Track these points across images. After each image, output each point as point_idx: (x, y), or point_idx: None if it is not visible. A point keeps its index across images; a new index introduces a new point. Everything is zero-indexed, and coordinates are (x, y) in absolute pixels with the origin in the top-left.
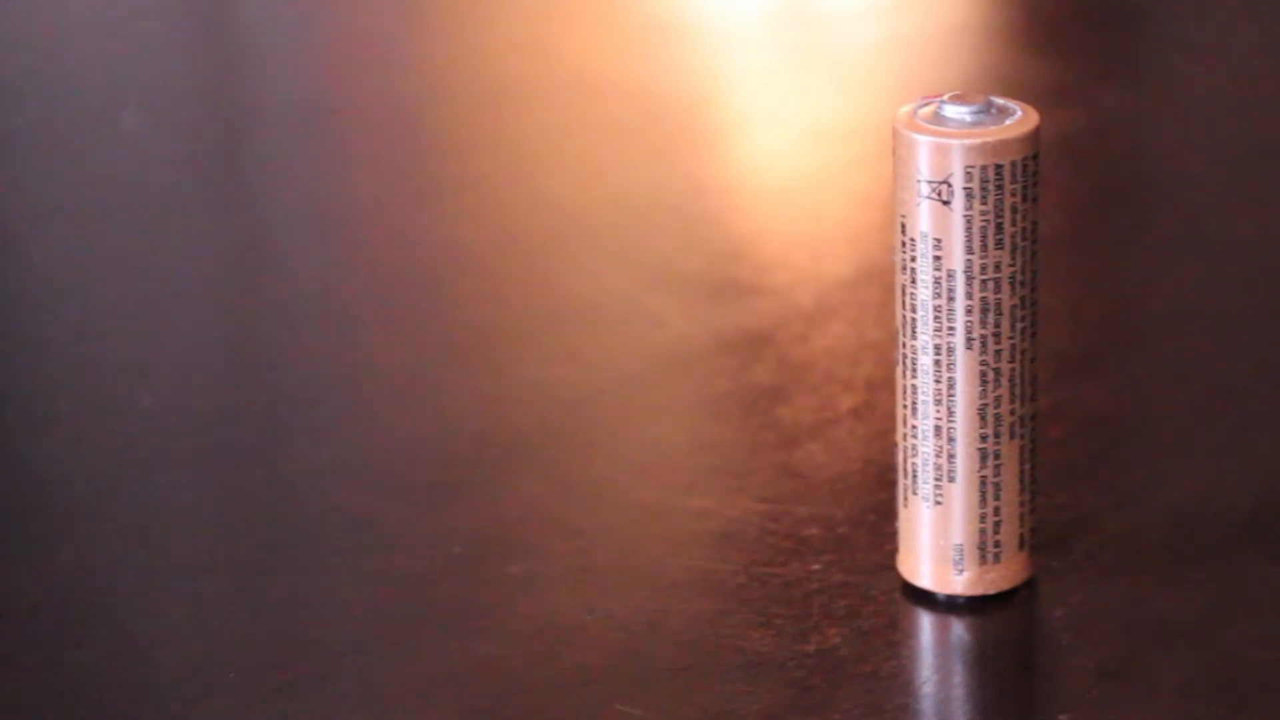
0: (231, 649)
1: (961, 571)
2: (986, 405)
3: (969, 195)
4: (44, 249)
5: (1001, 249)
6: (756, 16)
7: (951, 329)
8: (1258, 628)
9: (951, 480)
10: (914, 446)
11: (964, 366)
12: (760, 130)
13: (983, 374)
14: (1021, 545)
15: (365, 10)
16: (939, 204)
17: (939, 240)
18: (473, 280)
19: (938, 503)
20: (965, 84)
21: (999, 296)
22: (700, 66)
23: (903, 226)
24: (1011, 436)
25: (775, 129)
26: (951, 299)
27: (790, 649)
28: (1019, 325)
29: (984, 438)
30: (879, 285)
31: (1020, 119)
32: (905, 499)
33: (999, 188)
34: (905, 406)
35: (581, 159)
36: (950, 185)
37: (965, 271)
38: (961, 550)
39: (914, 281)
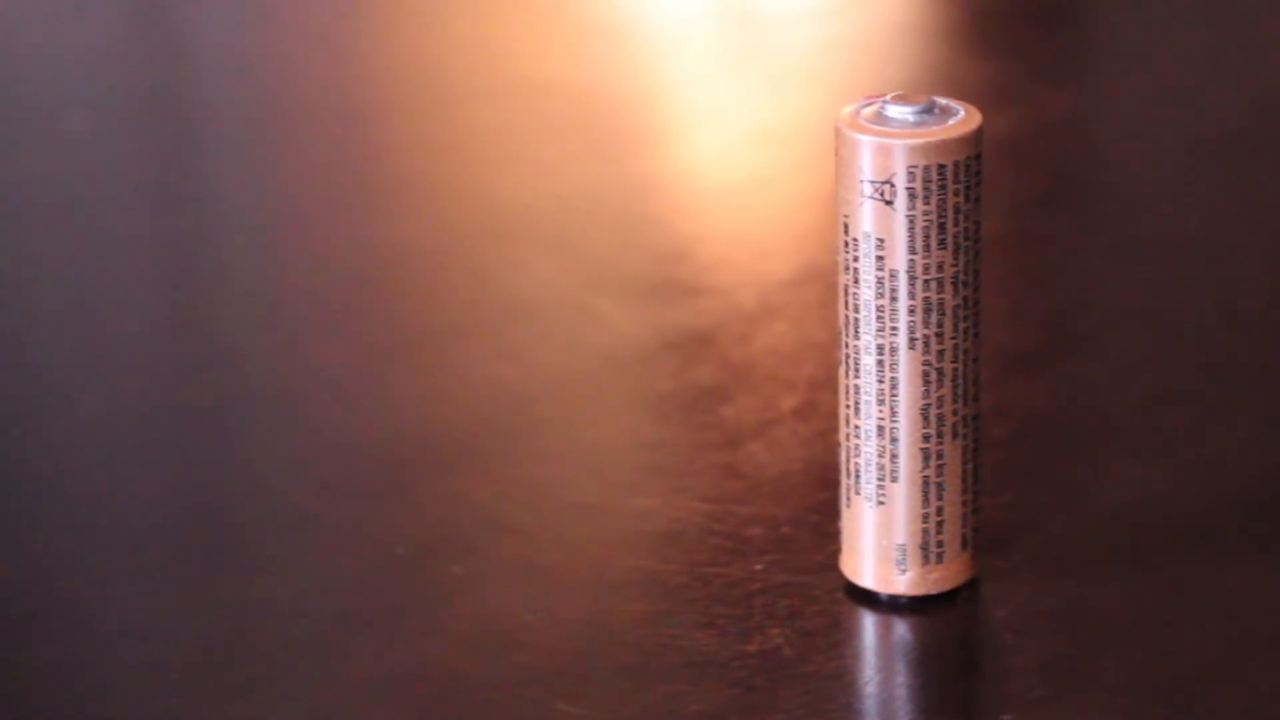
0: (175, 649)
1: (904, 571)
2: (929, 405)
3: (912, 195)
4: None
5: (944, 249)
6: (700, 17)
7: (894, 329)
8: (1201, 627)
9: (894, 480)
10: (856, 446)
11: (906, 366)
12: (703, 130)
13: (925, 374)
14: (964, 545)
15: (310, 11)
16: (882, 204)
17: (882, 240)
18: (416, 280)
19: (880, 503)
20: (908, 84)
21: (942, 296)
22: (643, 67)
23: (845, 226)
24: (954, 436)
25: (718, 129)
26: (894, 299)
27: (733, 649)
28: (962, 325)
29: (927, 438)
30: (821, 285)
31: (963, 119)
32: (848, 499)
33: (942, 188)
34: (848, 406)
35: (524, 159)
36: (893, 185)
37: (908, 271)
38: (904, 550)
39: (856, 281)
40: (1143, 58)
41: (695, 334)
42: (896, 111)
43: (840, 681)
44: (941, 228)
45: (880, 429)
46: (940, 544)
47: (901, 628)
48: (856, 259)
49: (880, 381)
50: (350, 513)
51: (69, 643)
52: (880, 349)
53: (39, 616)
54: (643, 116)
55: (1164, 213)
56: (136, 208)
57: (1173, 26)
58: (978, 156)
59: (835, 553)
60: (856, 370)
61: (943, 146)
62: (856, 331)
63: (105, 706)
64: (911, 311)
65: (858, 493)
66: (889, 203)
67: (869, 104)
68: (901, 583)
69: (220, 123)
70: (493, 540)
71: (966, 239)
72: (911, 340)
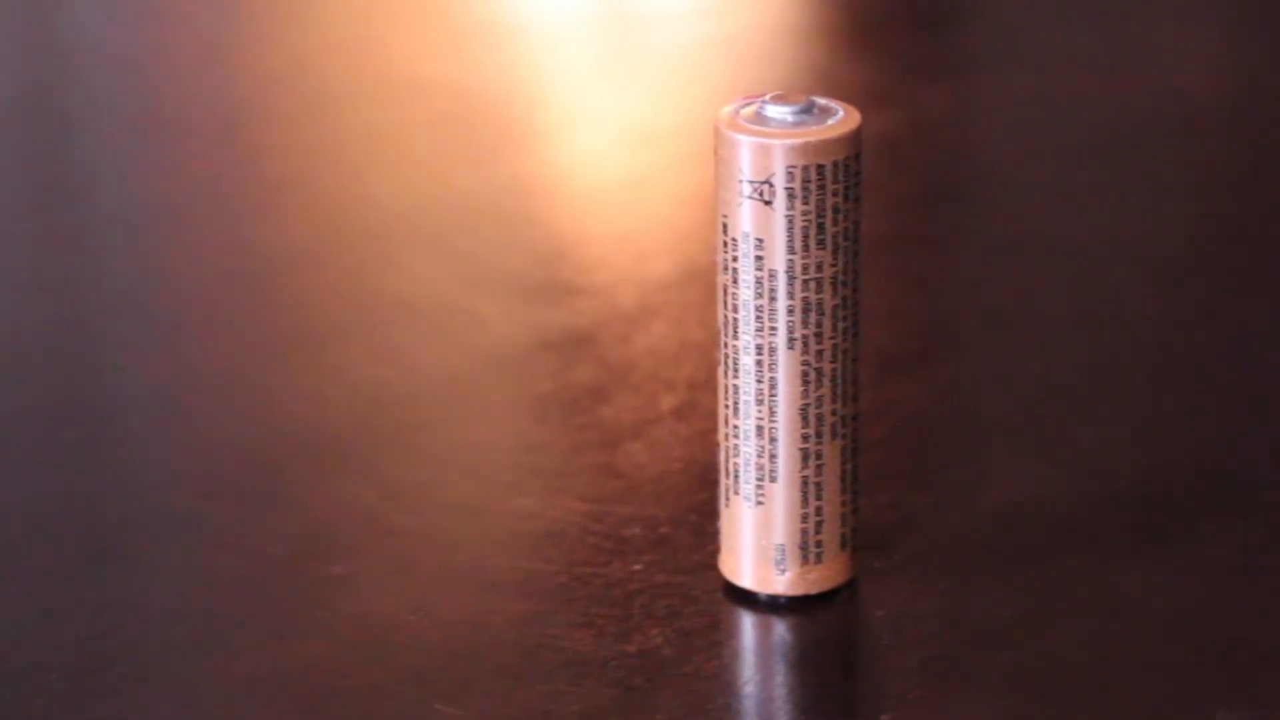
0: (55, 649)
1: (783, 571)
2: (808, 405)
3: (791, 195)
4: None
5: (823, 249)
6: (578, 17)
7: (773, 329)
8: (1079, 627)
9: (773, 480)
10: (736, 446)
11: (786, 366)
12: (582, 130)
13: (804, 374)
14: (843, 545)
15: (189, 12)
16: (761, 204)
17: (761, 240)
18: (295, 280)
19: (759, 503)
20: (787, 84)
21: (821, 297)
22: (523, 67)
23: (724, 226)
24: (833, 436)
25: (597, 129)
26: (773, 299)
27: (612, 649)
28: (841, 325)
29: (806, 438)
30: (701, 285)
31: (842, 119)
32: (727, 499)
33: (821, 188)
34: (727, 406)
35: (403, 159)
36: (772, 185)
37: (787, 271)
38: (783, 550)
39: (736, 281)
40: (1021, 59)
41: (574, 334)
42: (775, 111)
43: (719, 681)
44: (820, 228)
45: (759, 429)
46: (819, 544)
47: (780, 628)
48: (735, 259)
49: (759, 381)
50: (229, 513)
51: None
52: (759, 349)
53: None
54: (522, 116)
55: (1043, 213)
56: (15, 208)
57: (1051, 28)
58: (857, 157)
59: (714, 553)
60: (735, 370)
61: (822, 147)
62: (735, 331)
63: None
64: (790, 311)
65: (737, 493)
66: (768, 203)
67: (748, 104)
68: (780, 583)
69: (100, 124)
70: (372, 540)
71: (846, 239)
72: (790, 340)
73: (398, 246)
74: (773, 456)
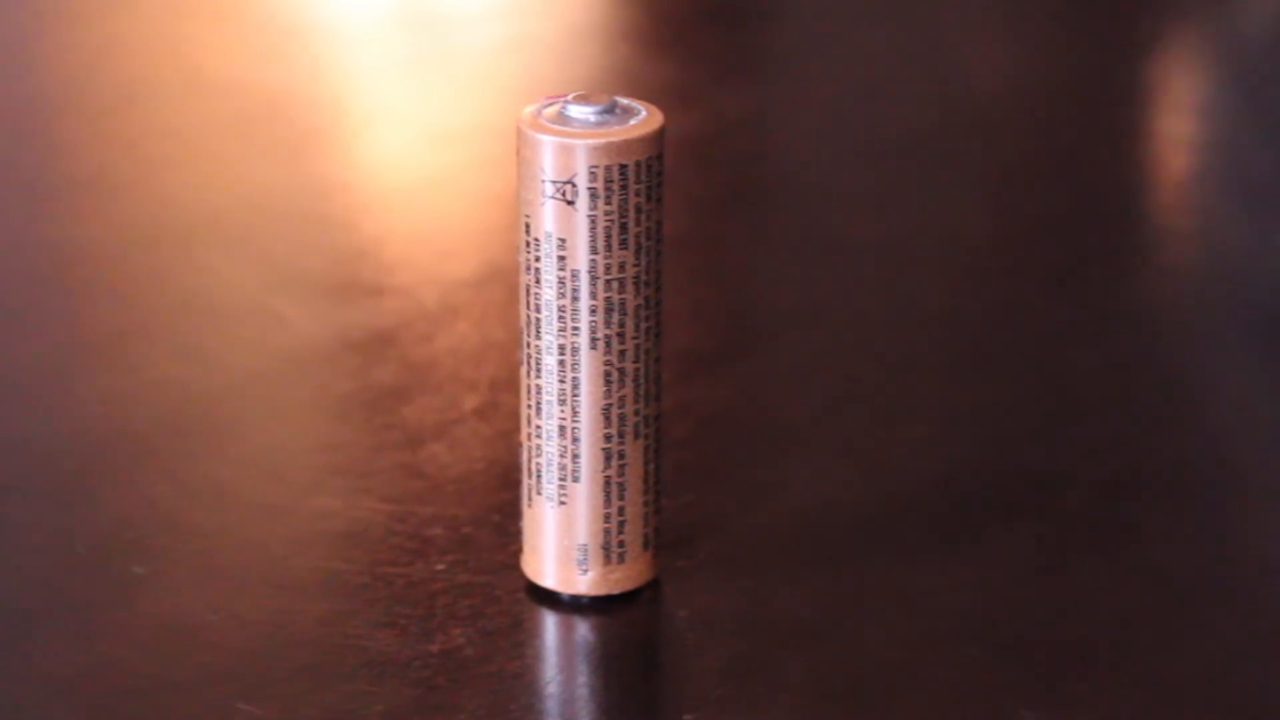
0: None
1: (586, 571)
2: (611, 405)
3: (593, 195)
4: None
5: (626, 249)
6: (380, 17)
7: (576, 329)
8: (881, 627)
9: (576, 480)
10: (538, 446)
11: (588, 366)
12: (384, 130)
13: (607, 374)
14: (646, 545)
15: None
16: (563, 204)
17: (563, 240)
18: (95, 279)
19: (562, 502)
20: (589, 84)
21: (623, 296)
22: (324, 66)
23: (527, 226)
24: (636, 436)
25: (399, 129)
26: (576, 299)
27: (414, 649)
28: (643, 325)
29: (608, 438)
30: (503, 285)
31: (644, 119)
32: (529, 499)
33: (623, 188)
34: (529, 406)
35: (204, 158)
36: (574, 185)
37: (589, 271)
38: (586, 550)
39: (538, 281)
40: (825, 59)
41: (376, 334)
42: (578, 111)
43: (522, 681)
44: (623, 228)
45: (562, 429)
46: (622, 544)
47: (583, 628)
48: (538, 259)
49: (562, 381)
50: (29, 511)
51: None
52: (562, 349)
53: None
54: (323, 116)
55: (845, 213)
56: None
57: (856, 28)
58: (659, 157)
59: (517, 553)
60: (538, 370)
61: (624, 146)
62: (538, 331)
63: None
64: (593, 311)
65: (539, 493)
66: (570, 203)
67: (550, 104)
68: (583, 583)
69: None
70: (173, 540)
71: (648, 239)
72: (593, 340)
73: (199, 246)
74: (575, 456)
